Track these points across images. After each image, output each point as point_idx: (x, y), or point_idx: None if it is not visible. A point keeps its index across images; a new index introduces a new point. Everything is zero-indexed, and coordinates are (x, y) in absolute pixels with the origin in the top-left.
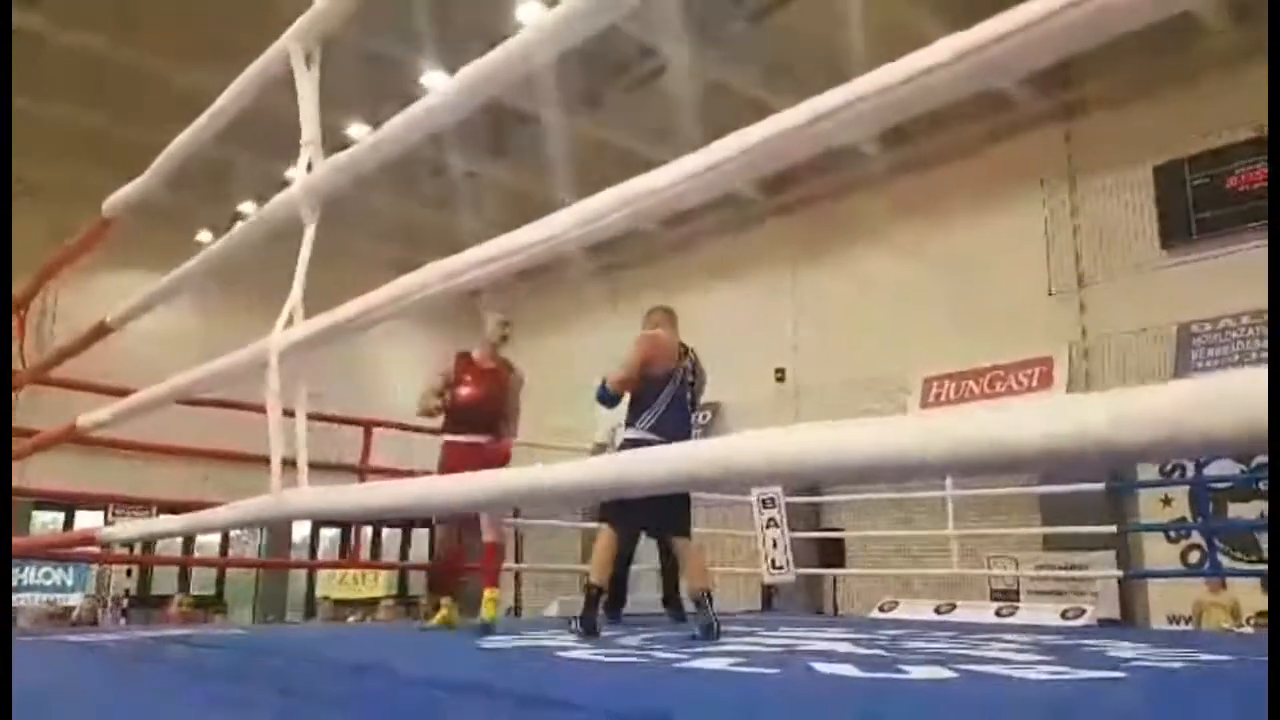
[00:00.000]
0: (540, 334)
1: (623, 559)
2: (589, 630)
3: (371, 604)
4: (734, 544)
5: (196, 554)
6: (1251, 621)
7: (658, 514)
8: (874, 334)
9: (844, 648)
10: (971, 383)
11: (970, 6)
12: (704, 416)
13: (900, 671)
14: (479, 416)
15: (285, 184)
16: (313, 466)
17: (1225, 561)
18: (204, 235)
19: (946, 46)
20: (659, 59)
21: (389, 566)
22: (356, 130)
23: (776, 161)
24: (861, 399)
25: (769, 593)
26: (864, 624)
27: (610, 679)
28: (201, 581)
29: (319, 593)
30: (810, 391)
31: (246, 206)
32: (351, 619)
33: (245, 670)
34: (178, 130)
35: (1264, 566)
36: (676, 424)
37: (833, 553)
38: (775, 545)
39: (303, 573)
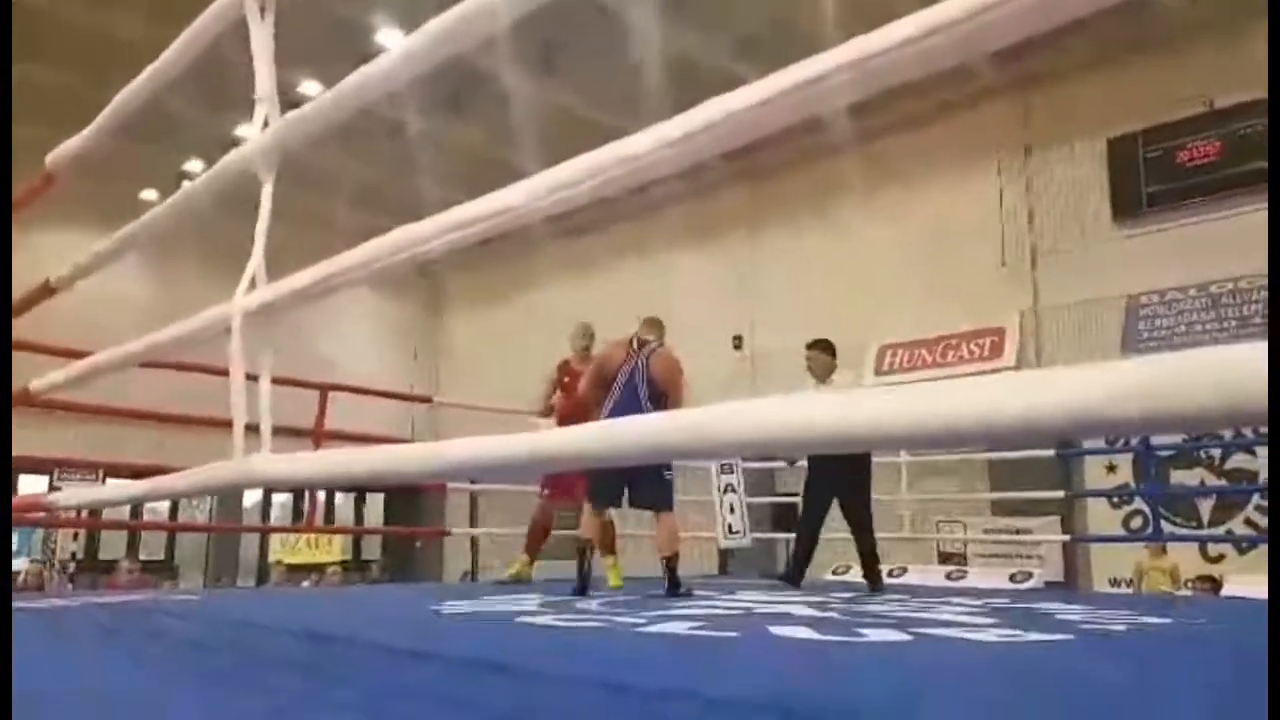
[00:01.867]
0: (497, 299)
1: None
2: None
3: (323, 569)
4: (692, 508)
5: (146, 518)
6: (1190, 584)
7: (633, 487)
8: (830, 302)
9: (800, 611)
10: (924, 351)
11: None
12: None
13: (856, 635)
14: (580, 414)
15: (234, 142)
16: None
17: (1166, 527)
18: (149, 193)
19: (918, 21)
20: (620, 24)
21: (344, 531)
22: (309, 87)
23: (751, 133)
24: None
25: (725, 557)
26: (818, 587)
27: (568, 644)
28: (151, 545)
29: (271, 557)
30: (767, 359)
31: (193, 164)
32: (305, 584)
33: (212, 640)
34: (122, 83)
35: (1204, 532)
36: (626, 410)
37: (787, 517)
38: (733, 510)
39: (254, 537)
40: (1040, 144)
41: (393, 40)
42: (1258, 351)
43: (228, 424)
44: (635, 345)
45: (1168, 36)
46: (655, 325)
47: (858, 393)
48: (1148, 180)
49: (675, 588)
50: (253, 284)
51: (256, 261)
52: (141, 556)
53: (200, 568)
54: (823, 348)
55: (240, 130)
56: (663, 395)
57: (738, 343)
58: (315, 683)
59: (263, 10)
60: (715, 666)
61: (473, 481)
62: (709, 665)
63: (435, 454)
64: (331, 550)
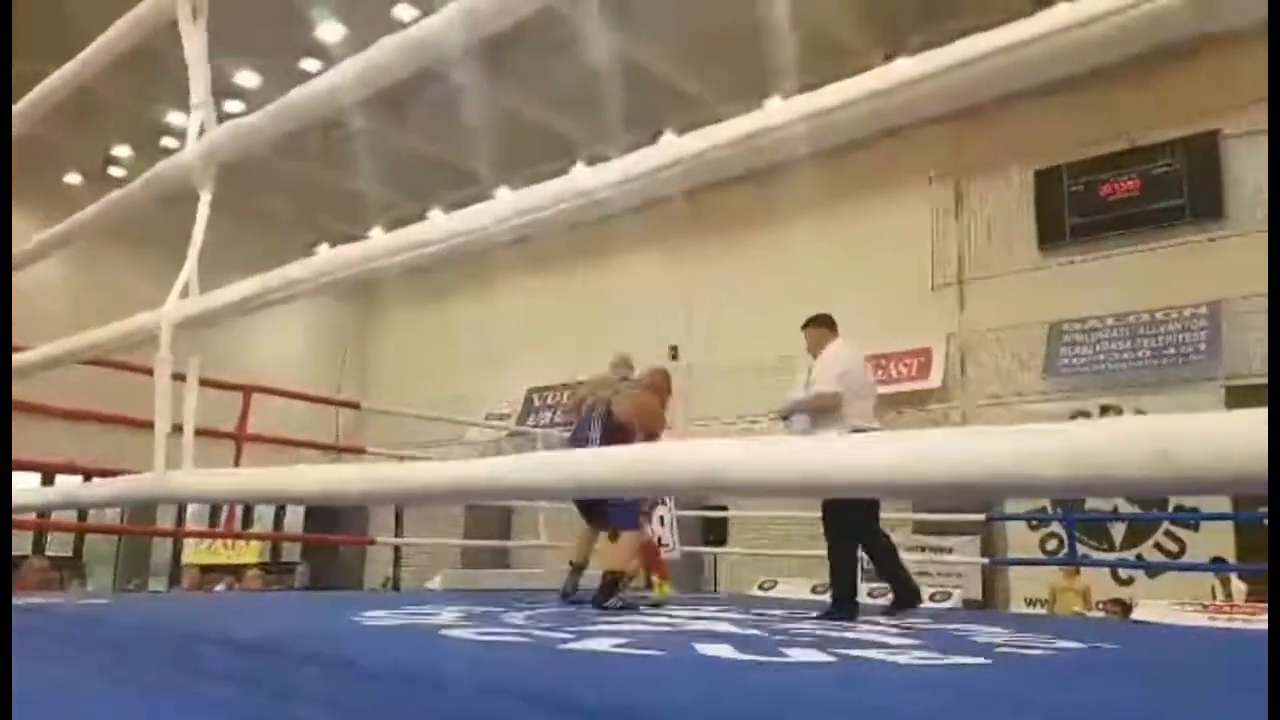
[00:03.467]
0: (432, 302)
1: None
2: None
3: (239, 571)
4: None
5: (54, 515)
6: (1101, 605)
7: (596, 506)
8: (765, 317)
9: (726, 628)
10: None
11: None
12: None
13: (780, 654)
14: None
15: (164, 128)
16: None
17: (1081, 549)
18: (73, 177)
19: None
20: (568, 26)
21: (264, 537)
22: (245, 78)
23: (712, 173)
24: (751, 380)
25: None
26: (744, 603)
27: (490, 659)
28: (58, 541)
29: (185, 558)
30: (702, 371)
31: (121, 149)
32: (220, 586)
33: (127, 648)
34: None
35: (1114, 555)
36: (574, 434)
37: (715, 530)
38: (663, 523)
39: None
40: (971, 172)
41: (334, 34)
42: (1192, 422)
43: (145, 424)
44: (620, 378)
45: (1094, 76)
46: (656, 374)
47: (783, 440)
48: (1071, 212)
49: (601, 601)
50: (185, 291)
51: (189, 270)
52: (49, 552)
53: (110, 565)
54: (815, 324)
55: (171, 117)
56: (624, 427)
57: (674, 353)
58: (235, 692)
59: (195, 12)
60: (635, 685)
61: None
62: (628, 684)
63: (360, 478)
64: (249, 552)
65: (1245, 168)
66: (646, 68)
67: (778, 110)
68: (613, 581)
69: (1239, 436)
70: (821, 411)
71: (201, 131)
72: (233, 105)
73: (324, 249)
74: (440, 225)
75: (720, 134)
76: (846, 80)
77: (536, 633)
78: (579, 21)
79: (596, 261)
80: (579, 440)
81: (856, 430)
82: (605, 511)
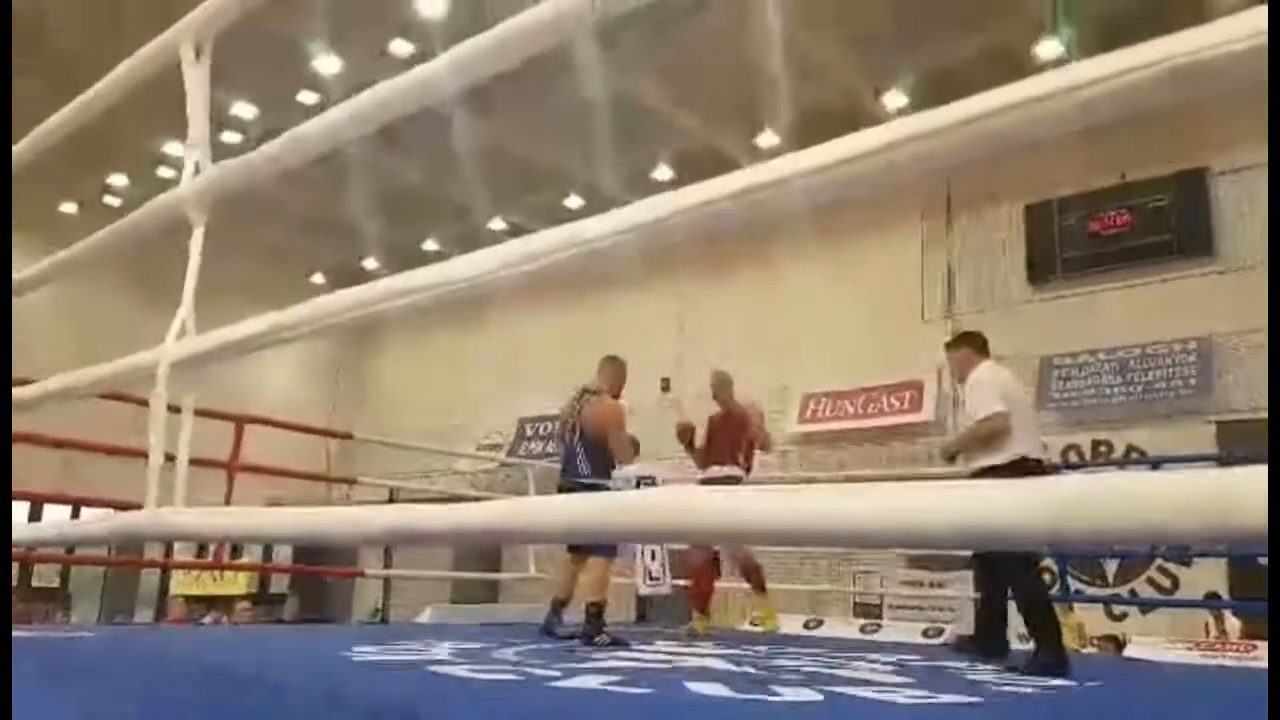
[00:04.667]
0: (437, 331)
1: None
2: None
3: (228, 602)
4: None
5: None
6: (1093, 641)
7: None
8: (757, 350)
9: (718, 665)
10: (847, 402)
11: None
12: None
13: (772, 693)
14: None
15: (161, 157)
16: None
17: (1073, 584)
18: (68, 206)
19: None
20: (559, 59)
21: (253, 568)
22: (241, 109)
23: (713, 225)
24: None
25: (644, 604)
26: (735, 639)
27: (483, 697)
28: (45, 570)
29: (172, 589)
30: (694, 402)
31: (117, 179)
32: (207, 619)
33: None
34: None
35: (1107, 592)
36: (566, 460)
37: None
38: (653, 557)
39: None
40: (963, 205)
41: (330, 67)
42: (1167, 480)
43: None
44: (580, 394)
45: None
46: (604, 366)
47: (777, 490)
48: (1062, 246)
49: (590, 636)
50: (182, 330)
51: (186, 309)
52: (34, 583)
53: (96, 596)
54: (960, 343)
55: (169, 147)
56: (600, 440)
57: (665, 384)
58: None
59: (198, 53)
60: None
61: None
62: None
63: (351, 520)
64: (237, 583)
65: (1234, 204)
66: (637, 100)
67: (779, 165)
68: (596, 613)
69: (1222, 494)
70: (990, 438)
71: (198, 170)
72: (229, 137)
73: (318, 278)
74: (444, 271)
75: (722, 187)
76: (848, 136)
77: (528, 669)
78: (570, 54)
79: (588, 293)
80: (568, 462)
81: (1024, 462)
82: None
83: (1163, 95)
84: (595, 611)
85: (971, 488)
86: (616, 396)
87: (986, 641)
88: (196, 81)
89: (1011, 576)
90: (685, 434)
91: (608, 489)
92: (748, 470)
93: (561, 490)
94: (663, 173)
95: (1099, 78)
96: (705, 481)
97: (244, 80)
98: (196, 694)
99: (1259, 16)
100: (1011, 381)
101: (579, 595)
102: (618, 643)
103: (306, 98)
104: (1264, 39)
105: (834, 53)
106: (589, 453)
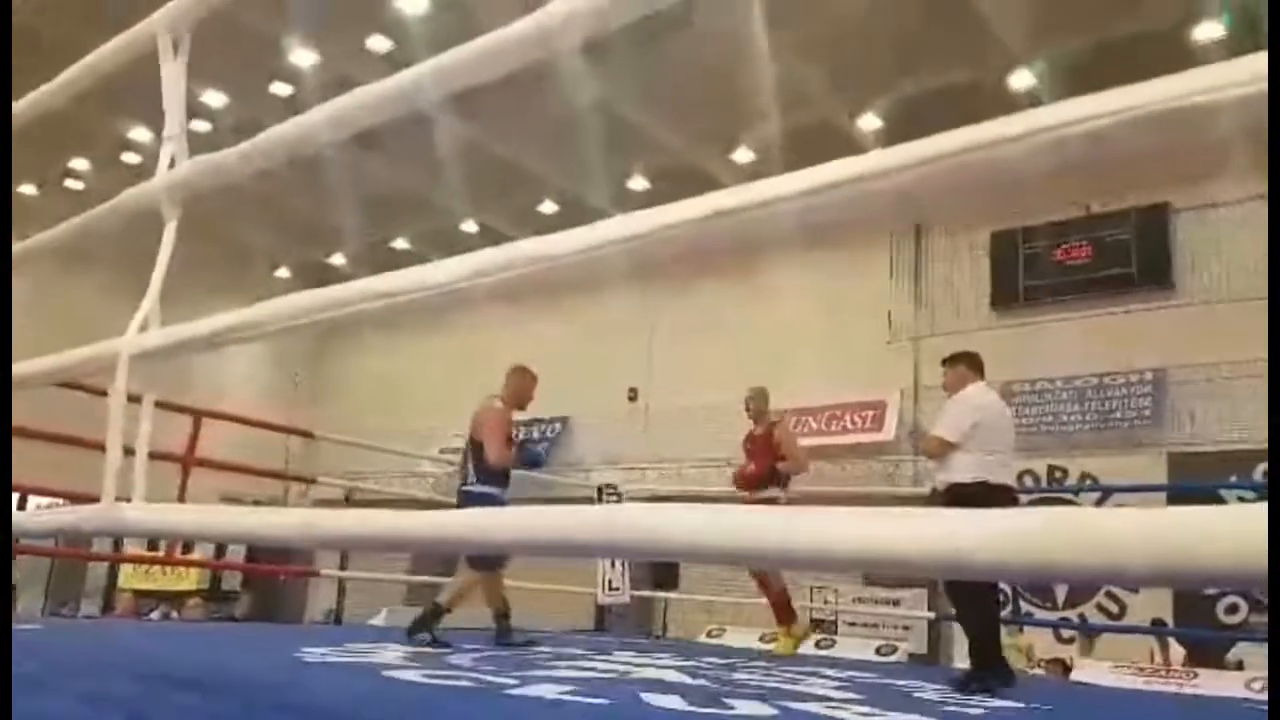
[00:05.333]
0: (401, 334)
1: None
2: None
3: (177, 597)
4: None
5: None
6: (1041, 664)
7: None
8: (723, 364)
9: (673, 677)
10: (811, 419)
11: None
12: (553, 429)
13: (725, 706)
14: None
15: (126, 143)
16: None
17: (1025, 607)
18: (27, 188)
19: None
20: (541, 67)
21: (206, 565)
22: (211, 98)
23: (685, 245)
24: (706, 423)
25: (603, 614)
26: (693, 650)
27: (432, 704)
28: None
29: (121, 582)
30: (659, 413)
31: (79, 163)
32: (155, 614)
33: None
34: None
35: (1056, 614)
36: (463, 465)
37: (666, 574)
38: (614, 566)
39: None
40: (931, 231)
41: (305, 60)
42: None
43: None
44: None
45: None
46: (510, 376)
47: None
48: (1026, 274)
49: (413, 631)
50: (145, 323)
51: (152, 299)
52: None
53: (41, 586)
54: (955, 361)
55: (134, 133)
56: (480, 446)
57: (633, 394)
58: None
59: (176, 48)
60: None
61: None
62: None
63: (311, 523)
64: (188, 578)
65: (1193, 241)
66: (617, 111)
67: (756, 189)
68: (433, 614)
69: (1174, 532)
70: (931, 456)
71: (172, 164)
72: (198, 125)
73: (283, 272)
74: (420, 276)
75: (697, 208)
76: (824, 165)
77: (481, 676)
78: (553, 63)
79: (557, 301)
80: (463, 471)
81: (981, 486)
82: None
83: (1135, 141)
84: (434, 612)
85: (911, 515)
86: (520, 409)
87: (996, 666)
88: (173, 75)
89: (975, 595)
90: (750, 481)
91: (495, 499)
92: (784, 488)
93: (458, 501)
94: (639, 183)
95: (1073, 120)
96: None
97: (214, 69)
98: (135, 691)
99: (1233, 66)
100: (994, 407)
101: (445, 593)
102: (440, 644)
103: (280, 89)
104: (1240, 90)
105: (811, 74)
106: (476, 459)
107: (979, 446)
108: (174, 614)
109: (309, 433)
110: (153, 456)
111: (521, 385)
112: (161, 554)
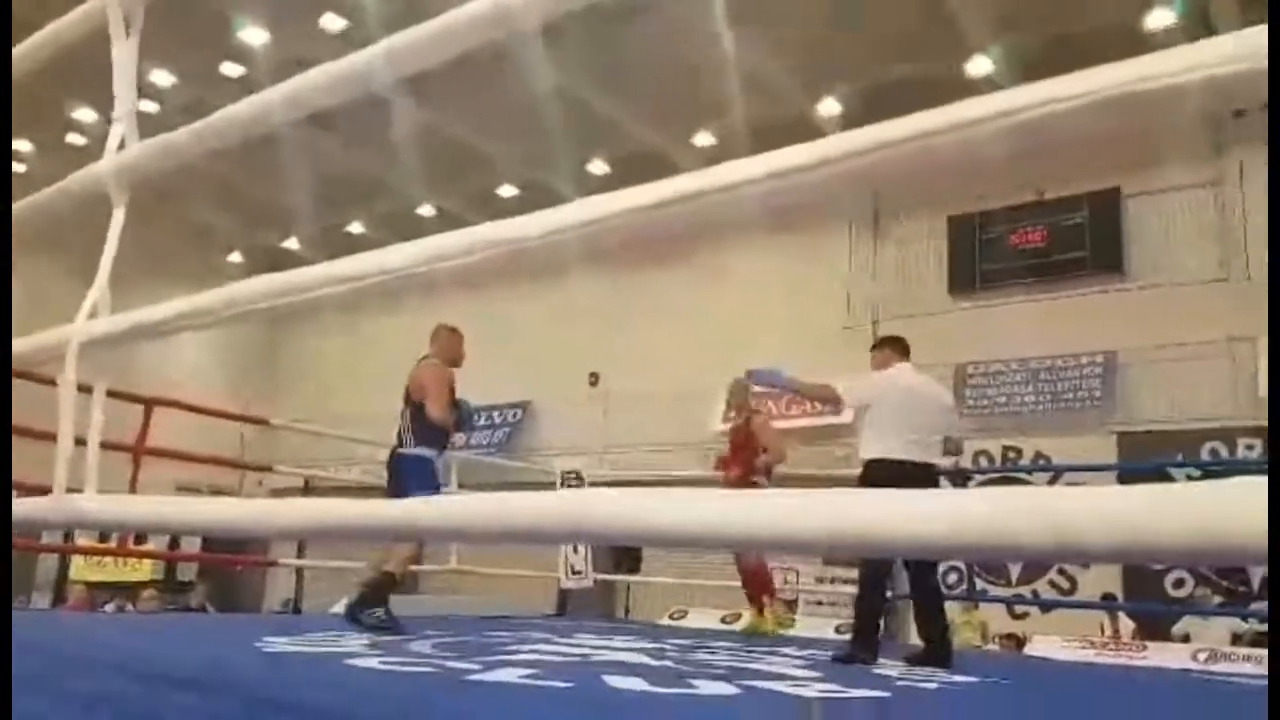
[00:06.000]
0: (357, 318)
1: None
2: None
3: (131, 589)
4: (533, 547)
5: None
6: (996, 639)
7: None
8: (683, 349)
9: (635, 659)
10: (771, 403)
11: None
12: (514, 414)
13: (689, 686)
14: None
15: (71, 124)
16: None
17: (979, 584)
18: None
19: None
20: (499, 49)
21: (160, 556)
22: (160, 77)
23: (647, 229)
24: (667, 409)
25: (565, 597)
26: (655, 632)
27: (394, 691)
28: None
29: (72, 574)
30: (620, 398)
31: (22, 144)
32: (110, 606)
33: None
34: None
35: (1010, 591)
36: (399, 431)
37: (628, 557)
38: (576, 551)
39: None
40: (889, 215)
41: (257, 39)
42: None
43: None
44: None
45: None
46: (438, 334)
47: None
48: (982, 259)
49: (361, 605)
50: (94, 310)
51: (100, 286)
52: None
53: None
54: (880, 346)
55: (79, 114)
56: (418, 406)
57: (593, 379)
58: None
59: (128, 28)
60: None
61: None
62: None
63: (266, 513)
64: (141, 569)
65: (1144, 225)
66: (576, 95)
67: (716, 174)
68: (383, 584)
69: (1124, 510)
70: (813, 396)
71: (122, 145)
72: (147, 106)
73: (236, 257)
74: (379, 260)
75: (658, 192)
76: (784, 149)
77: (444, 663)
78: (511, 46)
79: (517, 285)
80: (399, 435)
81: (883, 462)
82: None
83: (1091, 124)
84: (383, 581)
85: (873, 496)
86: (454, 366)
87: (870, 641)
88: (124, 55)
89: (923, 573)
90: (732, 484)
91: (429, 462)
92: (768, 477)
93: (387, 466)
94: (599, 167)
95: (1031, 104)
96: None
97: (164, 48)
98: (89, 686)
99: (1190, 51)
100: (912, 387)
101: (387, 561)
102: (387, 627)
103: (230, 69)
104: (1194, 74)
105: (772, 60)
106: (414, 421)
107: (890, 424)
108: (129, 606)
109: (264, 420)
110: (104, 446)
111: (450, 343)
112: (114, 545)
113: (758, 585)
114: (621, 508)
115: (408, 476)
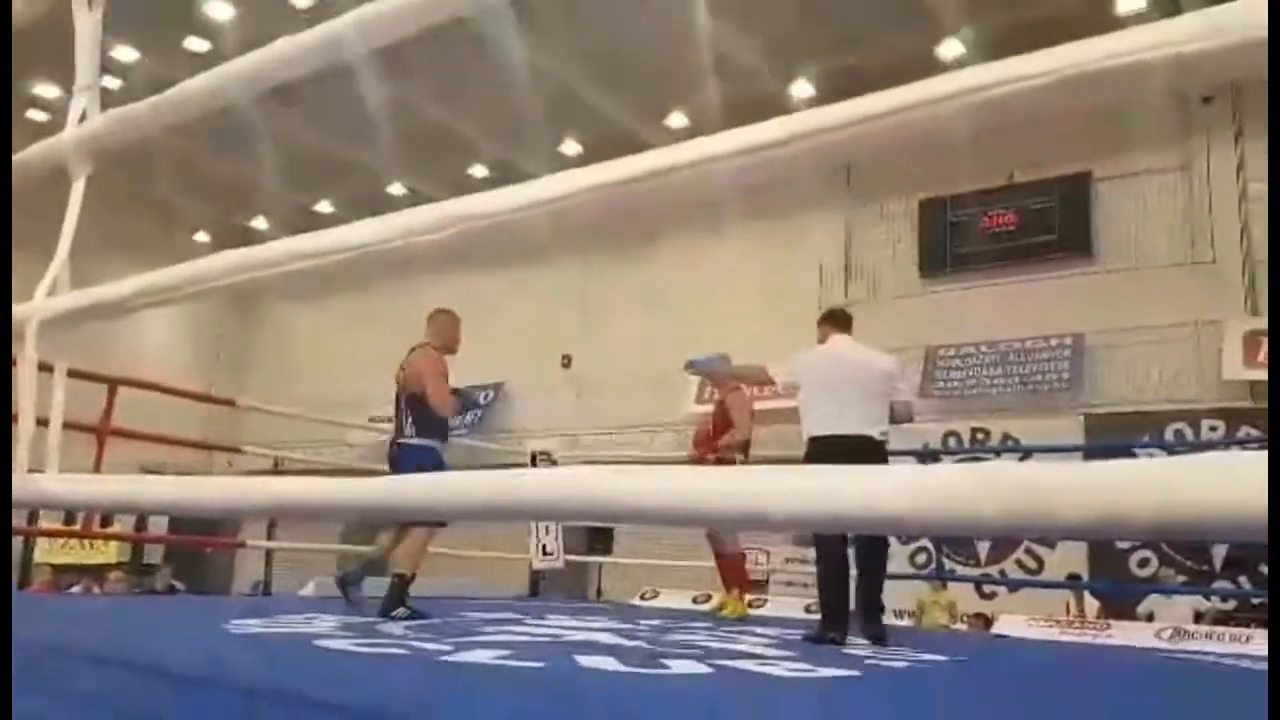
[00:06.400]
0: (326, 300)
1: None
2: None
3: (98, 571)
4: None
5: None
6: (964, 619)
7: None
8: (657, 332)
9: (607, 639)
10: (743, 385)
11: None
12: (485, 396)
13: (661, 666)
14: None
15: (31, 99)
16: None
17: (948, 564)
18: None
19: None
20: (471, 27)
21: (126, 538)
22: (123, 53)
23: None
24: (639, 392)
25: (536, 579)
26: (627, 613)
27: (369, 673)
28: None
29: (37, 557)
30: (592, 380)
31: None
32: (76, 589)
33: None
34: None
35: (978, 571)
36: (397, 420)
37: (600, 538)
38: (547, 532)
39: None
40: (861, 198)
41: (222, 14)
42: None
43: None
44: (411, 350)
45: None
46: (434, 319)
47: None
48: (953, 242)
49: (388, 609)
50: (54, 287)
51: (60, 262)
52: None
53: None
54: (820, 321)
55: (40, 89)
56: (418, 396)
57: (566, 362)
58: (78, 714)
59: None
60: (517, 700)
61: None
62: (511, 699)
63: (237, 492)
64: (107, 551)
65: (1112, 209)
66: (550, 74)
67: (686, 150)
68: (400, 584)
69: (1094, 485)
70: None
71: (84, 117)
72: (109, 81)
73: (202, 236)
74: (344, 236)
75: (628, 168)
76: (754, 126)
77: (416, 644)
78: (483, 24)
79: (490, 265)
80: (397, 425)
81: (813, 440)
82: None
83: (1060, 101)
84: (400, 583)
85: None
86: (450, 354)
87: (839, 618)
88: (88, 25)
89: (877, 552)
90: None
91: (435, 453)
92: (745, 456)
93: (389, 457)
94: (571, 148)
95: (999, 80)
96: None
97: (126, 22)
98: (54, 670)
99: (1156, 29)
100: (838, 355)
101: (393, 562)
102: (417, 615)
103: (195, 44)
104: (1160, 51)
105: (744, 41)
106: (414, 411)
107: (819, 399)
108: (96, 589)
109: (231, 401)
110: (67, 427)
111: (447, 328)
112: (79, 527)
113: (734, 575)
114: (606, 484)
115: (412, 468)
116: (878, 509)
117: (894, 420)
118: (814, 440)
